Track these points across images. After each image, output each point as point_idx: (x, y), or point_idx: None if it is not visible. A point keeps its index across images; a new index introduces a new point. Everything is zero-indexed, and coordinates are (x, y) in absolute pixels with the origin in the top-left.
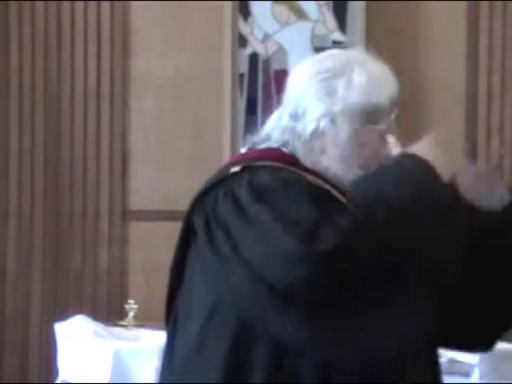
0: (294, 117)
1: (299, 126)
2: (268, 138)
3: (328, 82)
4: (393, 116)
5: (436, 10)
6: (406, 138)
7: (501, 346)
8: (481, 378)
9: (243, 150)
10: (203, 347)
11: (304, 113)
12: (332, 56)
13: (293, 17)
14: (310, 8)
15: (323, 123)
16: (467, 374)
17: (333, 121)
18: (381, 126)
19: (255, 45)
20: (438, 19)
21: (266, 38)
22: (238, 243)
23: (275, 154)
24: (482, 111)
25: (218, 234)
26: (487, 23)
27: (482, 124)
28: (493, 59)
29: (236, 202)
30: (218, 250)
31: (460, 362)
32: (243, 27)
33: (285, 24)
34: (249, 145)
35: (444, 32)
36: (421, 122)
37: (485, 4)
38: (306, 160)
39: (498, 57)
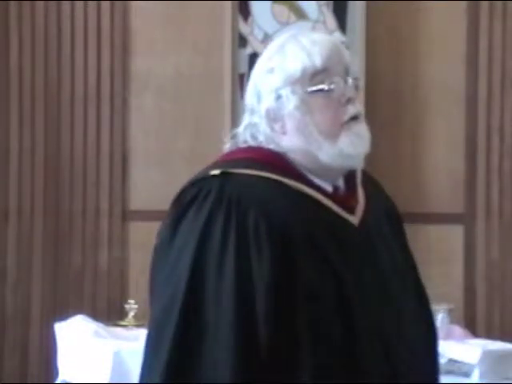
0: (251, 111)
1: (256, 116)
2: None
3: (267, 62)
4: (344, 79)
5: (436, 10)
6: (406, 137)
7: (501, 346)
8: (481, 378)
9: (227, 147)
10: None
11: (258, 101)
12: (271, 43)
13: (293, 17)
14: (310, 8)
15: (271, 102)
16: (467, 374)
17: (278, 96)
18: (324, 87)
19: (255, 45)
20: (438, 19)
21: (266, 38)
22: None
23: (262, 156)
24: (482, 111)
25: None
26: (487, 23)
27: (481, 124)
28: (493, 59)
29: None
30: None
31: (460, 362)
32: (243, 27)
33: (285, 24)
34: (231, 144)
35: (444, 32)
36: (421, 122)
37: (485, 4)
38: (276, 148)
39: (498, 57)
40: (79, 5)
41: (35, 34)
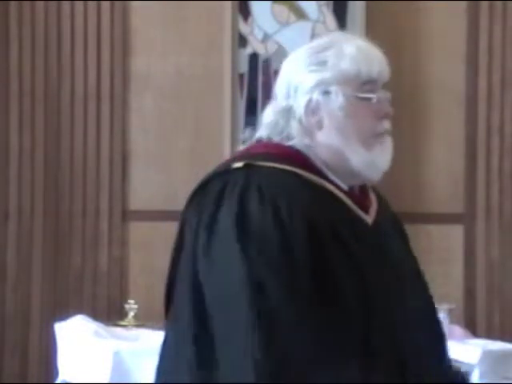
0: (287, 96)
1: (293, 104)
2: (268, 128)
3: (318, 54)
4: (385, 94)
5: (436, 10)
6: (406, 137)
7: (501, 346)
8: (481, 377)
9: (245, 145)
10: (178, 349)
11: (296, 89)
12: (322, 37)
13: (293, 17)
14: (310, 8)
15: (316, 94)
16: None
17: (326, 91)
18: (374, 97)
19: (255, 45)
20: (438, 19)
21: (266, 38)
22: (208, 256)
23: (280, 151)
24: (482, 111)
25: (201, 239)
26: (487, 23)
27: (482, 124)
28: (493, 59)
29: (212, 221)
30: (196, 250)
31: (460, 362)
32: (243, 27)
33: (285, 24)
34: (251, 139)
35: (444, 32)
36: (421, 122)
37: (485, 4)
38: (303, 140)
39: (498, 57)
40: (79, 5)
41: (35, 34)
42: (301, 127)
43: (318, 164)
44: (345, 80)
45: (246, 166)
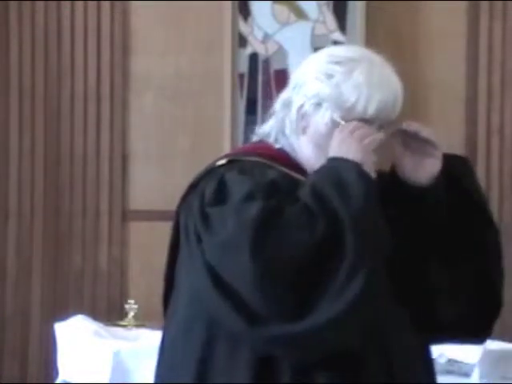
0: (293, 89)
1: (293, 97)
2: (269, 124)
3: (331, 65)
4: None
5: (436, 10)
6: None
7: (501, 346)
8: (481, 378)
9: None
10: (178, 344)
11: (300, 87)
12: (347, 47)
13: (293, 17)
14: (310, 8)
15: (309, 104)
16: (467, 374)
17: (319, 104)
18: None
19: (255, 45)
20: (437, 19)
21: (266, 38)
22: (201, 242)
23: (268, 152)
24: (482, 111)
25: (191, 229)
26: (487, 23)
27: (481, 124)
28: (493, 59)
29: (201, 204)
30: (189, 245)
31: (460, 362)
32: (243, 27)
33: (285, 24)
34: (256, 137)
35: (444, 32)
36: (421, 122)
37: (485, 4)
38: (291, 137)
39: (498, 57)
40: (79, 5)
41: (35, 34)
42: (290, 125)
43: (301, 164)
44: (338, 104)
45: (229, 162)
